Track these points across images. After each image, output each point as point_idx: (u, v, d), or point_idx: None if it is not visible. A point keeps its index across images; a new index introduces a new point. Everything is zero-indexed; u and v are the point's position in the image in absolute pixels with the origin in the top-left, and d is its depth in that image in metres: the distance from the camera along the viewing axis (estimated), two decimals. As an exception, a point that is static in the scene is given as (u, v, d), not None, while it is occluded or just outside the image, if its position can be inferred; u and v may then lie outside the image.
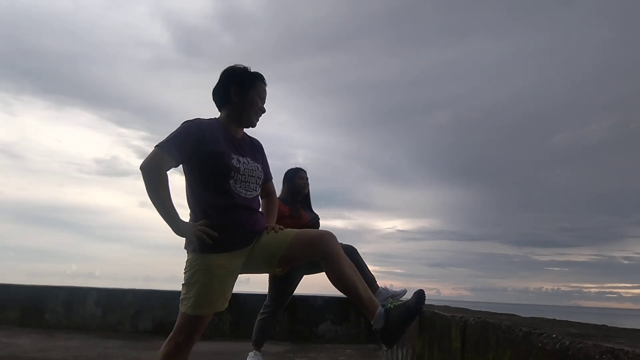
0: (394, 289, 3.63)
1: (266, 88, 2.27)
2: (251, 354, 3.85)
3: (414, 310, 2.08)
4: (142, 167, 2.01)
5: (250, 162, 2.20)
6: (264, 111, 2.26)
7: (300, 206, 3.97)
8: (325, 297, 5.74)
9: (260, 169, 2.25)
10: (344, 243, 3.96)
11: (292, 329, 5.57)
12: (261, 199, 2.44)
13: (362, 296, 2.06)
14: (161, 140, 2.06)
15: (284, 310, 4.25)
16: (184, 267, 2.13)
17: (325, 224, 4.03)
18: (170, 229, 2.04)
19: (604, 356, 1.05)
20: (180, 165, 2.15)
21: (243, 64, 2.26)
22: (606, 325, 1.29)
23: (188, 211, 2.19)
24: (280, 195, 3.94)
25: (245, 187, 2.14)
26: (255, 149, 2.32)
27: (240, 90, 2.21)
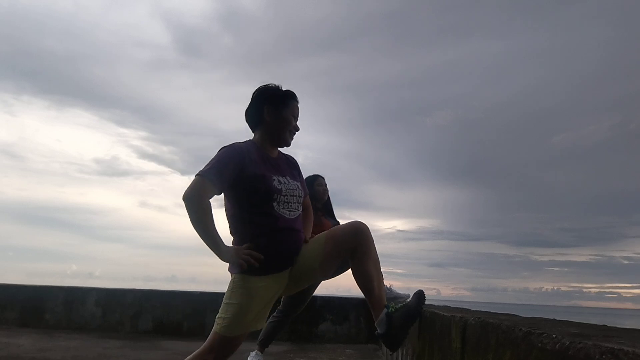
0: (398, 291, 3.63)
1: (299, 105, 2.24)
2: (252, 353, 3.84)
3: (415, 311, 2.08)
4: (184, 198, 1.98)
5: (290, 181, 2.18)
6: (297, 129, 2.23)
7: (321, 213, 3.91)
8: (325, 297, 5.75)
9: (300, 187, 2.23)
10: None
11: (292, 329, 5.57)
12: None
13: (374, 294, 2.09)
14: (202, 169, 2.02)
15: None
16: (227, 287, 2.11)
17: (325, 224, 4.00)
18: (216, 255, 2.03)
19: (604, 356, 1.05)
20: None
21: (275, 83, 2.24)
22: (606, 325, 1.29)
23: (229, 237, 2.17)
24: None
25: (288, 207, 2.13)
26: (291, 166, 2.30)
27: (274, 110, 2.18)
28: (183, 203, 1.99)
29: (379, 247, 2.15)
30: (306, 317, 5.62)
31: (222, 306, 2.09)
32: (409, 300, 2.17)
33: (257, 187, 2.06)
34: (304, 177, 4.02)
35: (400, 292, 3.61)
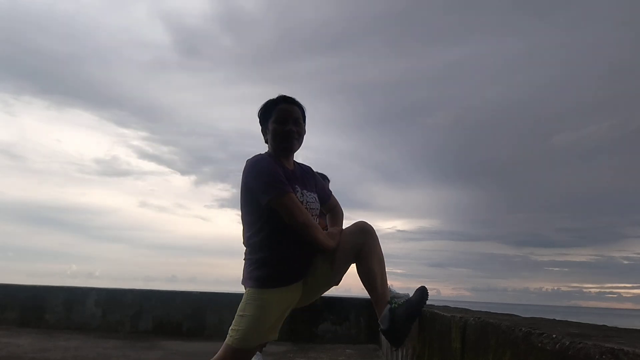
0: (398, 291, 3.61)
1: (291, 106, 2.18)
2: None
3: (418, 307, 2.09)
4: (298, 223, 2.01)
5: (308, 194, 2.17)
6: (293, 131, 2.15)
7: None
8: (325, 297, 5.75)
9: (317, 199, 2.23)
10: None
11: (292, 329, 5.57)
12: (326, 213, 2.43)
13: (377, 291, 2.11)
14: (266, 193, 2.01)
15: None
16: (242, 299, 2.10)
17: (324, 223, 3.97)
18: (329, 248, 2.09)
19: (604, 356, 1.05)
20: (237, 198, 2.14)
21: (271, 98, 2.20)
22: (606, 325, 1.29)
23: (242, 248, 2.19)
24: None
25: None
26: (308, 177, 2.28)
27: (264, 128, 2.20)
28: (301, 230, 2.02)
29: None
30: (306, 317, 5.62)
31: (235, 318, 2.07)
32: (411, 296, 2.17)
33: None
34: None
35: (400, 293, 3.59)
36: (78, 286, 6.39)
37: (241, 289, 2.18)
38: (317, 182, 2.34)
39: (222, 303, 5.78)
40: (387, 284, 2.17)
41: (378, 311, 2.11)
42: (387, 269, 2.17)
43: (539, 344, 1.06)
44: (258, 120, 2.23)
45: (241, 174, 2.12)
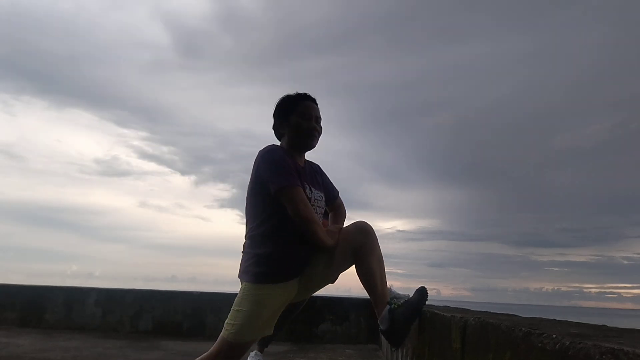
0: (398, 291, 3.61)
1: (313, 104, 2.20)
2: (252, 354, 3.85)
3: (417, 307, 2.09)
4: (301, 217, 1.99)
5: (315, 191, 2.18)
6: (316, 129, 2.19)
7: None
8: (325, 297, 5.75)
9: (323, 197, 2.24)
10: None
11: (292, 329, 5.57)
12: (330, 212, 2.44)
13: (377, 291, 2.10)
14: (277, 182, 2.01)
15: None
16: (238, 294, 2.11)
17: (325, 224, 3.97)
18: (327, 246, 2.08)
19: (604, 356, 1.05)
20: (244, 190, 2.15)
21: (291, 93, 2.22)
22: (606, 325, 1.29)
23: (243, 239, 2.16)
24: None
25: None
26: (316, 175, 2.29)
27: (285, 121, 2.19)
28: (303, 225, 2.00)
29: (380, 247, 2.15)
30: (306, 317, 5.62)
31: (231, 312, 2.08)
32: (411, 296, 2.17)
33: None
34: None
35: (400, 293, 3.59)
36: (78, 286, 6.38)
37: (241, 289, 2.18)
38: (324, 180, 2.35)
39: (221, 303, 5.78)
40: (386, 285, 2.17)
41: (378, 312, 2.11)
42: (387, 269, 2.18)
43: (539, 344, 1.06)
44: (276, 112, 2.22)
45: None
